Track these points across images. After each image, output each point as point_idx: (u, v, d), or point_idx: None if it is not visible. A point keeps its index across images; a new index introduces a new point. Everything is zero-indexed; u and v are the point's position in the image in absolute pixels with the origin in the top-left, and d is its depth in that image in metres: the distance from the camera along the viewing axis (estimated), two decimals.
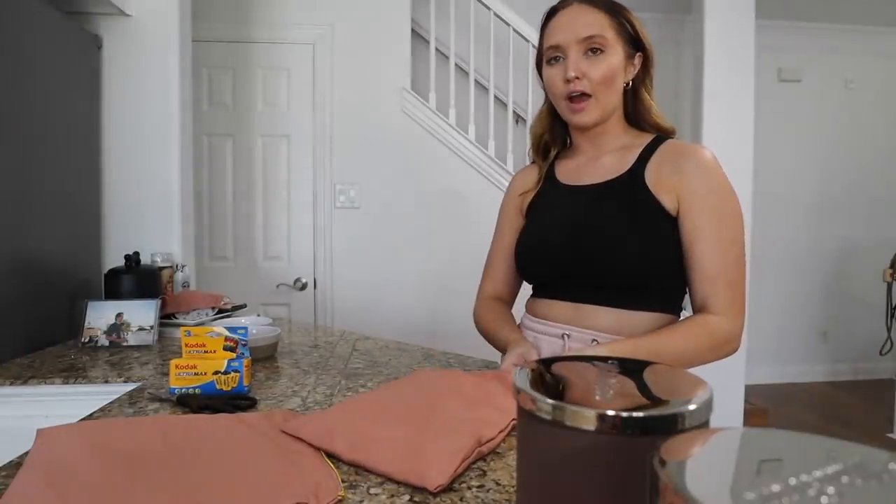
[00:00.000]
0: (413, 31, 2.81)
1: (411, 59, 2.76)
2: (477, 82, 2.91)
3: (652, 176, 0.95)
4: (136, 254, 1.70)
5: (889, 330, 3.39)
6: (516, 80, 2.83)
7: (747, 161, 2.79)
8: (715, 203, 0.92)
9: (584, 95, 0.96)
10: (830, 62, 4.21)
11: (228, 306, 1.74)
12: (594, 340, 0.95)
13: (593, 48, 0.94)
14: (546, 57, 1.00)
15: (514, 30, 2.78)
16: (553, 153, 1.11)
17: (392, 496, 0.62)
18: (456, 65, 2.85)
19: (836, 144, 4.27)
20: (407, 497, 0.62)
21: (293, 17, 2.70)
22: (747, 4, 2.73)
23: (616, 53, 0.95)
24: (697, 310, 0.93)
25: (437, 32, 2.83)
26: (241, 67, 2.71)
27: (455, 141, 2.74)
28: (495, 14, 2.77)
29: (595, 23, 0.94)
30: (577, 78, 0.94)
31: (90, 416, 0.88)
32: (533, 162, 1.15)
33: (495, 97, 2.90)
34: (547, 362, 0.44)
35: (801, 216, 4.28)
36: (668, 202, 0.93)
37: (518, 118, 3.24)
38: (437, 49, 2.82)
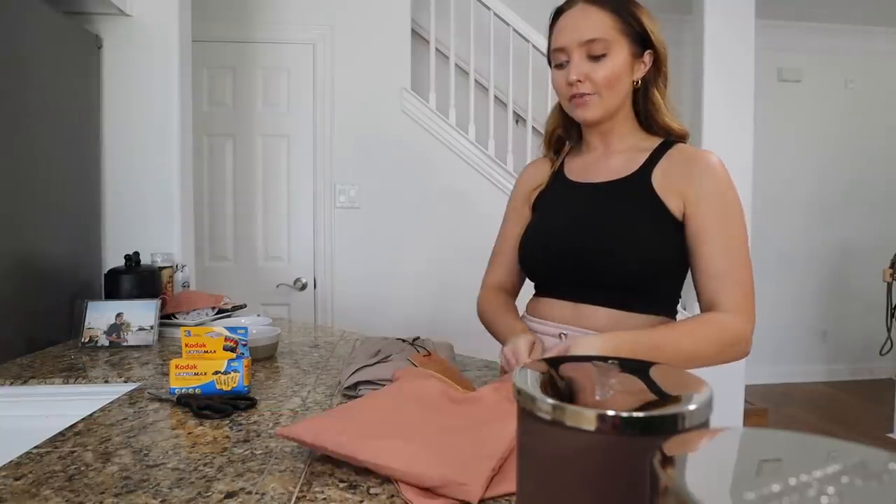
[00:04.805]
0: (413, 31, 2.81)
1: (411, 59, 2.75)
2: (477, 82, 2.91)
3: (659, 179, 0.95)
4: (136, 254, 1.70)
5: (889, 330, 3.39)
6: (516, 80, 2.83)
7: (747, 161, 2.79)
8: (722, 206, 0.92)
9: (587, 95, 0.96)
10: (830, 62, 4.21)
11: (228, 306, 1.74)
12: None
13: (596, 51, 0.93)
14: (553, 59, 0.99)
15: (514, 30, 2.78)
16: (566, 149, 1.12)
17: (392, 496, 0.62)
18: (456, 65, 2.85)
19: (835, 144, 4.27)
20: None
21: (293, 17, 2.70)
22: (747, 4, 2.73)
23: (620, 54, 0.94)
24: (706, 309, 0.92)
25: (437, 32, 2.83)
26: (241, 67, 2.71)
27: (455, 141, 2.74)
28: (495, 14, 2.77)
29: (598, 24, 0.93)
30: (580, 81, 0.95)
31: (90, 416, 0.88)
32: (545, 156, 1.16)
33: (495, 97, 2.90)
34: (549, 363, 0.44)
35: (801, 216, 4.28)
36: (674, 206, 0.93)
37: (518, 118, 3.24)
38: (437, 49, 2.82)
